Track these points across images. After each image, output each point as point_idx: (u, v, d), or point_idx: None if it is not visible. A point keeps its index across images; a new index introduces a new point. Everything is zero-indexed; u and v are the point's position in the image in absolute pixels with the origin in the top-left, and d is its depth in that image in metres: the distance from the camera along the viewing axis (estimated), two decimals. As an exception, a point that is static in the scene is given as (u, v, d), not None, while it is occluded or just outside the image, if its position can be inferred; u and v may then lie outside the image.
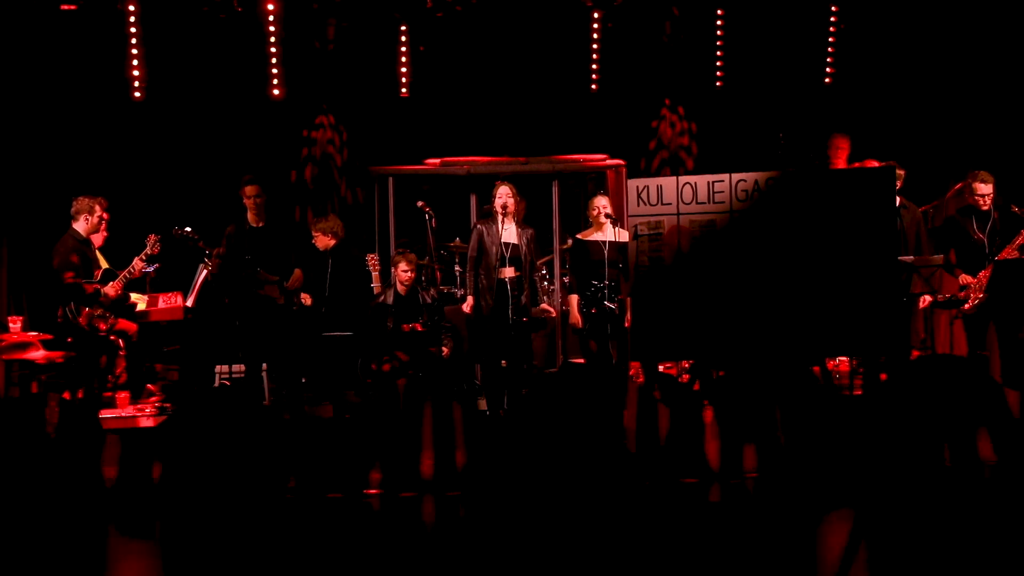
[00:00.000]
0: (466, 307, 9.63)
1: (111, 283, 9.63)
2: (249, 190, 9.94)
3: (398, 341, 9.73)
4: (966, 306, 9.41)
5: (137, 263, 9.68)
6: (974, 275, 9.43)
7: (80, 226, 9.77)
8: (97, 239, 9.99)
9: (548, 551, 6.51)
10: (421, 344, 9.76)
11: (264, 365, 10.03)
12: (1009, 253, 9.28)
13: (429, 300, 9.98)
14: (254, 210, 9.94)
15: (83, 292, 9.57)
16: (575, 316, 9.57)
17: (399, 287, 9.94)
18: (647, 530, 6.83)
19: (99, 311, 9.53)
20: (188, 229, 9.79)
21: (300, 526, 7.62)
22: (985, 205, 9.43)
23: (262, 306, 9.79)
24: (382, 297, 10.00)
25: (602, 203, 9.56)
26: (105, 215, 9.97)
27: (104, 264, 9.87)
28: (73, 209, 9.77)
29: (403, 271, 9.92)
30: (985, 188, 9.41)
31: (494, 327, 9.45)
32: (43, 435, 8.54)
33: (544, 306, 10.08)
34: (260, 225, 9.99)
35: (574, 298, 9.61)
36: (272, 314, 9.79)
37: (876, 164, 9.82)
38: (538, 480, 7.46)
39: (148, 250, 9.74)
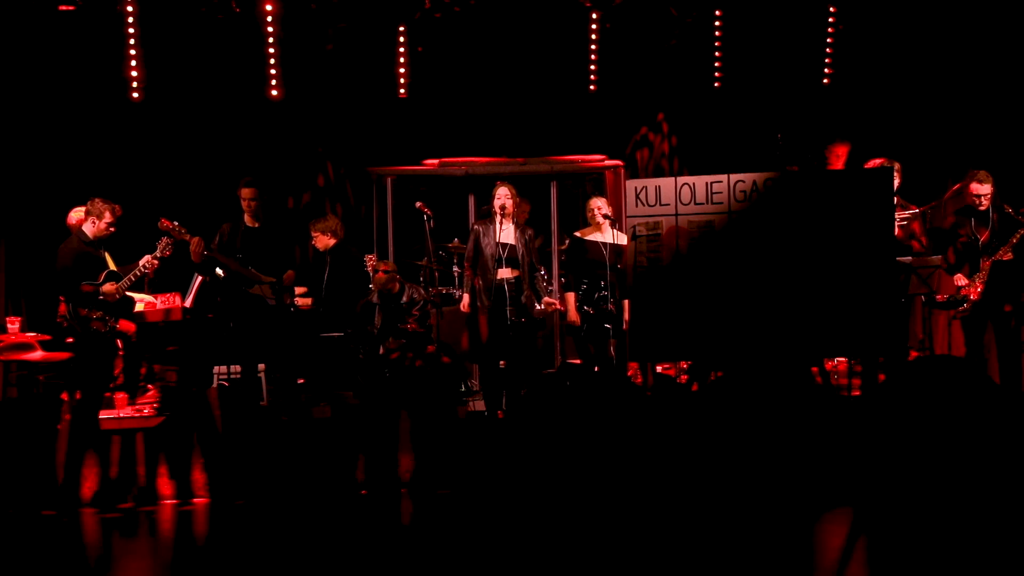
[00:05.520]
0: (463, 306, 9.66)
1: (109, 283, 9.56)
2: (246, 192, 9.85)
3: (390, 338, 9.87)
4: (962, 308, 9.41)
5: (149, 259, 9.51)
6: (971, 276, 9.42)
7: (88, 227, 9.70)
8: (98, 239, 9.94)
9: (546, 553, 6.51)
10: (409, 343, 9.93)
11: (261, 366, 10.01)
12: (1004, 254, 9.28)
13: (405, 299, 10.06)
14: (250, 212, 9.87)
15: (80, 293, 9.52)
16: (572, 314, 9.56)
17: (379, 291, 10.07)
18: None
19: (97, 313, 9.48)
20: (176, 223, 9.67)
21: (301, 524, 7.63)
22: (983, 205, 9.41)
23: (252, 306, 9.73)
24: (369, 296, 10.10)
25: (598, 204, 9.56)
26: (112, 219, 9.85)
27: (112, 266, 9.78)
28: (85, 209, 9.67)
29: (379, 277, 10.06)
30: (983, 188, 9.40)
31: (492, 328, 9.45)
32: (43, 435, 8.55)
33: (548, 299, 10.01)
34: (256, 226, 9.93)
35: (571, 296, 9.61)
36: (263, 314, 9.74)
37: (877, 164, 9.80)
38: (538, 482, 7.46)
39: (159, 252, 9.61)
